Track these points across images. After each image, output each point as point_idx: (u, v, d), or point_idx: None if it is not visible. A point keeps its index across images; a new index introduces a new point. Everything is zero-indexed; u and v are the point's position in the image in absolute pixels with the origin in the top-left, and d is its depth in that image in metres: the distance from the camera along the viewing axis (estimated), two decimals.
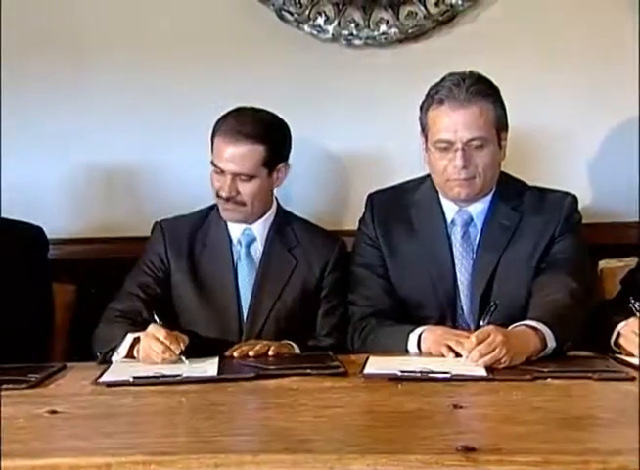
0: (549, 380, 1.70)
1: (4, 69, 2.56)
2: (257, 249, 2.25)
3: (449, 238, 2.16)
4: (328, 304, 2.25)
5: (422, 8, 2.55)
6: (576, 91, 2.55)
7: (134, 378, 1.78)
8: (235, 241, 2.25)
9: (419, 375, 1.74)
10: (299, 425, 1.45)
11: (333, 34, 2.57)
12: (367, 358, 1.90)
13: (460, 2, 2.54)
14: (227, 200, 2.17)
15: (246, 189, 2.17)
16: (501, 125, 2.11)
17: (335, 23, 2.57)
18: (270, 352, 2.01)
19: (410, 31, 2.56)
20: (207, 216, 2.29)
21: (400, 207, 2.23)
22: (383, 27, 2.56)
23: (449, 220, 2.17)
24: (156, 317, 1.96)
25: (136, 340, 1.96)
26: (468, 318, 2.13)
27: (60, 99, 2.60)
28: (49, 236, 2.30)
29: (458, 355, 1.86)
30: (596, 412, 1.55)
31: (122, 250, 2.46)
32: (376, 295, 2.18)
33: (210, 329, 2.17)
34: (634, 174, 2.55)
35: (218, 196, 2.19)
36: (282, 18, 2.57)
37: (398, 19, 2.56)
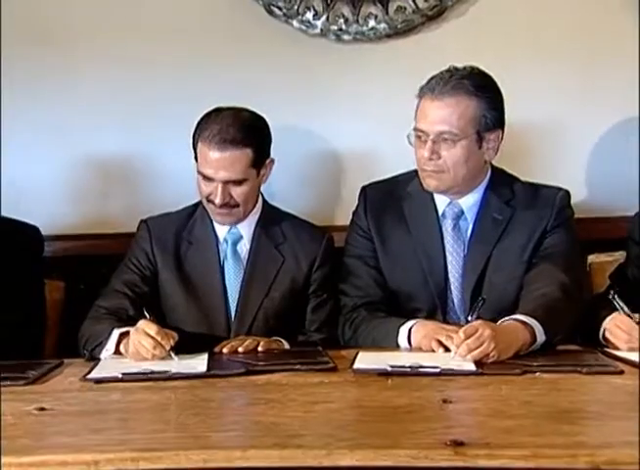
0: (538, 374, 1.71)
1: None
2: (244, 246, 2.25)
3: (441, 231, 2.17)
4: (317, 299, 2.25)
5: (411, 3, 2.55)
6: (568, 86, 2.56)
7: (123, 374, 1.78)
8: (221, 239, 2.25)
9: (408, 370, 1.74)
10: (289, 420, 1.45)
11: (322, 29, 2.57)
12: (357, 353, 1.90)
13: None
14: (221, 206, 2.16)
15: (238, 192, 2.16)
16: (484, 125, 2.08)
17: (323, 17, 2.56)
18: (260, 348, 2.01)
19: (399, 26, 2.56)
20: (193, 214, 2.29)
21: (393, 199, 2.23)
22: (372, 22, 2.56)
23: (440, 213, 2.18)
24: (146, 313, 1.96)
25: (122, 335, 1.95)
26: (458, 311, 2.14)
27: (50, 94, 2.59)
28: None
29: (448, 350, 1.87)
30: (585, 406, 1.56)
31: (112, 246, 2.45)
32: (367, 285, 2.19)
33: (199, 327, 2.17)
34: (624, 170, 2.55)
35: (209, 201, 2.17)
36: (271, 13, 2.57)
37: (387, 14, 2.56)
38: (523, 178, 2.24)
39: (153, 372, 1.79)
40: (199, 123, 2.17)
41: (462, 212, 2.17)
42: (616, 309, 1.98)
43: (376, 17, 2.56)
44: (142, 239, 2.26)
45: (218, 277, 2.22)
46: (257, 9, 2.56)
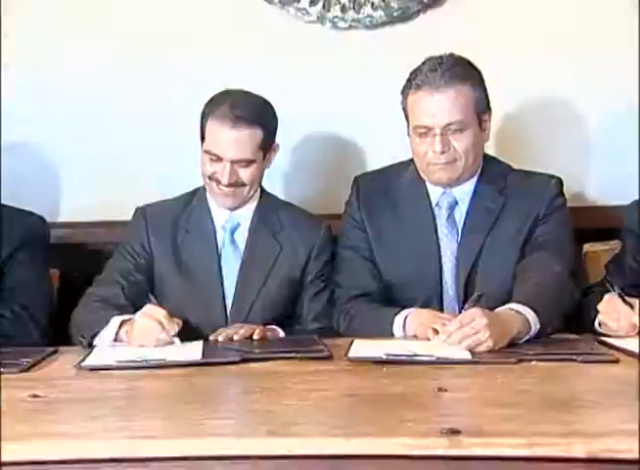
0: (533, 362, 1.71)
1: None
2: (242, 234, 2.24)
3: (434, 220, 2.17)
4: (314, 288, 2.24)
5: None
6: (564, 75, 2.54)
7: (117, 362, 1.77)
8: (219, 227, 2.24)
9: (404, 358, 1.74)
10: (284, 408, 1.45)
11: (318, 16, 2.56)
12: (352, 341, 1.90)
13: None
14: (228, 185, 2.15)
15: (246, 174, 2.16)
16: (481, 108, 2.10)
17: (320, 4, 2.55)
18: (255, 336, 2.01)
19: (395, 14, 2.55)
20: (191, 202, 2.28)
21: (386, 189, 2.23)
22: (368, 10, 2.55)
23: (434, 203, 2.18)
24: (152, 298, 1.96)
25: (123, 323, 1.95)
26: (453, 300, 2.13)
27: (41, 82, 2.58)
28: None
29: None
30: (580, 394, 1.56)
31: (107, 234, 2.45)
32: (361, 277, 2.19)
33: (195, 315, 2.15)
34: (619, 159, 2.55)
35: (214, 180, 2.16)
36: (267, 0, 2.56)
37: (384, 1, 2.54)
38: (517, 167, 2.24)
39: (147, 360, 1.78)
40: (208, 103, 2.17)
41: (456, 202, 2.17)
42: None
43: (372, 4, 2.55)
44: (137, 227, 2.25)
45: (215, 265, 2.21)
46: None
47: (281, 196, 2.36)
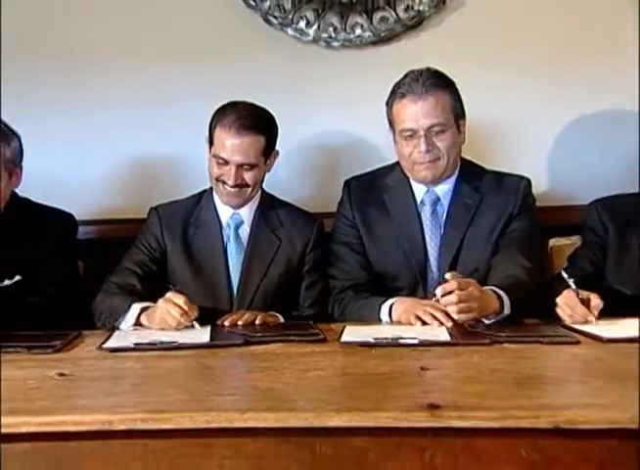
0: (505, 344, 1.71)
1: (39, 81, 2.56)
2: (245, 231, 2.23)
3: (419, 216, 2.17)
4: (310, 278, 2.24)
5: (393, 13, 2.53)
6: (531, 88, 2.54)
7: (135, 344, 1.77)
8: (224, 224, 2.23)
9: (390, 341, 1.73)
10: (283, 386, 1.44)
11: (313, 37, 2.55)
12: (344, 327, 1.89)
13: (426, 9, 2.53)
14: (233, 186, 2.15)
15: (249, 176, 2.15)
16: (458, 113, 2.12)
17: (315, 26, 2.54)
18: (257, 322, 2.00)
19: (382, 34, 2.55)
20: (199, 201, 2.27)
21: (375, 190, 2.22)
22: (358, 31, 2.55)
23: (419, 200, 2.18)
24: (172, 286, 1.96)
25: (143, 309, 1.95)
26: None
27: (72, 101, 2.59)
28: None
29: (425, 324, 1.87)
30: (546, 372, 1.56)
31: (123, 230, 2.42)
32: (353, 269, 2.18)
33: (204, 302, 2.12)
34: (581, 162, 2.55)
35: (221, 182, 2.16)
36: (268, 22, 2.55)
37: (372, 23, 2.54)
38: (488, 168, 2.24)
39: (162, 342, 1.78)
40: (216, 113, 2.17)
41: (438, 199, 2.17)
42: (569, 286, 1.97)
43: (362, 26, 2.54)
44: (152, 224, 2.25)
45: (222, 258, 2.20)
46: (256, 18, 2.54)
47: (279, 196, 2.35)
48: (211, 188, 2.25)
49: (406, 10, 2.53)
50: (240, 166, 2.14)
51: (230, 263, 2.20)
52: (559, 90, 2.54)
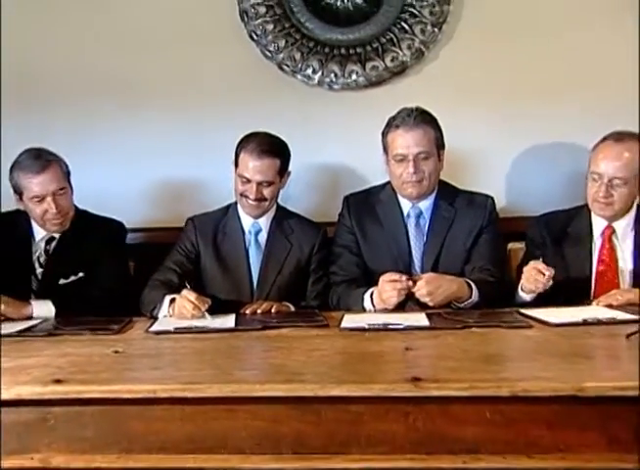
0: (473, 328, 1.70)
1: (92, 111, 2.56)
2: (263, 236, 2.22)
3: (406, 226, 2.15)
4: (315, 275, 2.22)
5: (382, 63, 2.52)
6: (493, 123, 2.52)
7: (175, 328, 1.76)
8: (247, 231, 2.22)
9: (380, 326, 1.73)
10: (293, 363, 1.44)
11: (318, 81, 2.54)
12: (343, 315, 1.88)
13: (408, 60, 2.52)
14: (255, 200, 2.14)
15: (267, 192, 2.14)
16: (439, 144, 2.12)
17: (319, 73, 2.53)
18: (273, 310, 1.99)
19: (373, 79, 2.54)
20: (227, 213, 2.26)
21: (369, 204, 2.21)
22: (354, 76, 2.54)
23: (405, 213, 2.17)
24: (187, 284, 1.94)
25: (172, 301, 1.93)
26: None
27: (124, 131, 2.58)
28: None
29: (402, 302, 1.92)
30: (506, 351, 1.56)
31: (163, 236, 2.42)
32: (350, 267, 2.16)
33: (229, 295, 2.14)
34: (532, 182, 2.52)
35: (245, 197, 2.15)
36: (281, 69, 2.54)
37: (365, 70, 2.53)
38: (461, 187, 2.23)
39: (196, 327, 1.77)
40: (241, 141, 2.16)
41: (421, 212, 2.16)
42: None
43: (357, 72, 2.53)
44: (189, 231, 2.24)
45: (244, 259, 2.19)
46: (272, 67, 2.54)
47: (291, 208, 2.34)
48: (236, 202, 2.23)
49: (392, 60, 2.52)
50: (260, 184, 2.13)
51: (251, 263, 2.19)
52: (516, 125, 2.51)
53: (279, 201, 2.28)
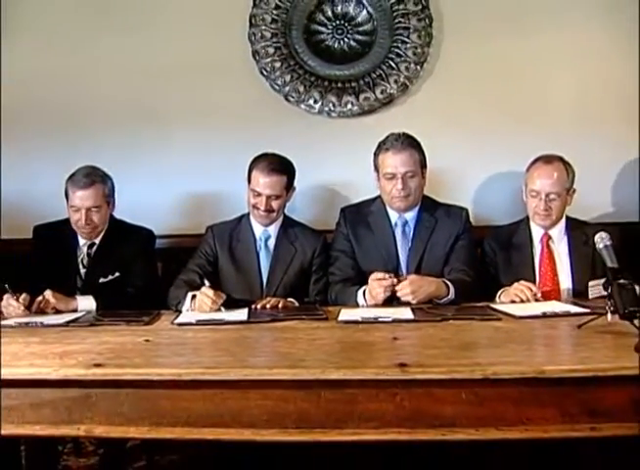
0: (451, 321, 1.70)
1: (133, 137, 2.58)
2: (272, 242, 2.21)
3: (393, 234, 2.15)
4: (316, 275, 2.21)
5: (372, 94, 2.53)
6: (467, 146, 2.52)
7: (196, 321, 1.76)
8: (258, 238, 2.21)
9: (372, 319, 1.72)
10: (298, 351, 1.44)
11: (319, 110, 2.55)
12: (340, 310, 1.87)
13: (395, 92, 2.53)
14: (264, 211, 2.14)
15: (275, 204, 2.14)
16: (423, 164, 2.12)
17: (320, 103, 2.54)
18: (280, 305, 1.98)
19: (365, 109, 2.54)
20: (241, 221, 2.25)
21: (362, 215, 2.21)
22: (349, 106, 2.54)
23: (393, 223, 2.16)
24: (206, 282, 1.95)
25: (193, 297, 1.94)
26: None
27: (156, 153, 2.59)
28: None
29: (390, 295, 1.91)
30: (478, 340, 1.55)
31: (186, 242, 2.41)
32: (346, 269, 2.15)
33: (243, 293, 2.13)
34: (500, 196, 2.52)
35: (256, 208, 2.15)
36: (287, 100, 2.55)
37: (358, 101, 2.54)
38: (440, 200, 2.23)
39: (214, 320, 1.77)
40: (253, 161, 2.17)
41: (407, 222, 2.16)
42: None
43: (352, 102, 2.54)
44: (209, 238, 2.23)
45: (255, 261, 2.18)
46: (279, 98, 2.54)
47: (296, 218, 2.33)
48: (249, 212, 2.23)
49: (382, 92, 2.53)
50: (269, 197, 2.13)
51: (261, 265, 2.18)
52: (486, 150, 2.52)
53: (286, 212, 2.28)
